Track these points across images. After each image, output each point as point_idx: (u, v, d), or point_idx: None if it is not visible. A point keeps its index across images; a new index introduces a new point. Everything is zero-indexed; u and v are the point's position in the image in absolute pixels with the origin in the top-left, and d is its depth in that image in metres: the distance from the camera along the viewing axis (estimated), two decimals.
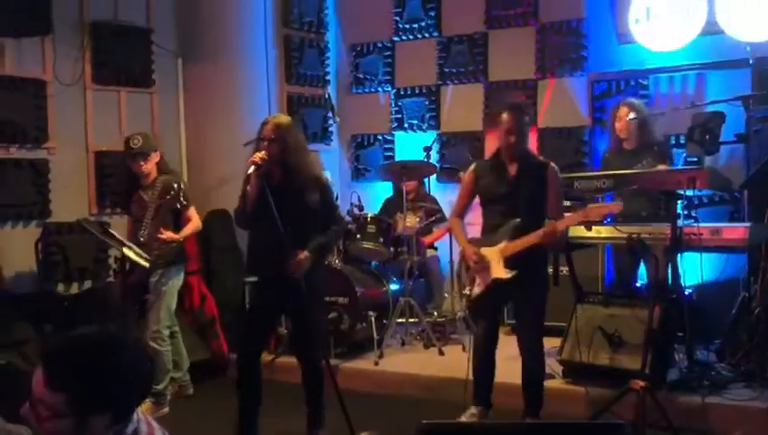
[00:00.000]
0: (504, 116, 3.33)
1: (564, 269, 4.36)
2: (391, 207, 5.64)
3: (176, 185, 3.75)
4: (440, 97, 6.30)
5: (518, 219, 3.25)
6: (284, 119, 3.41)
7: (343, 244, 5.16)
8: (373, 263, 5.46)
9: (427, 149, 5.60)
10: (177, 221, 4.01)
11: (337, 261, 5.10)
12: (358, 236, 5.12)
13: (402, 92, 6.48)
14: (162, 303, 3.99)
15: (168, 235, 3.83)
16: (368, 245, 5.12)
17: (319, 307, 3.66)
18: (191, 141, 5.78)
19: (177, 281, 4.05)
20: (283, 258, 3.26)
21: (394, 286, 5.25)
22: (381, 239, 5.11)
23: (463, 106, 6.12)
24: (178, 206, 3.80)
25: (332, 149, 6.64)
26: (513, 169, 3.34)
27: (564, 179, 3.78)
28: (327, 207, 3.41)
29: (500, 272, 3.28)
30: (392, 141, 6.60)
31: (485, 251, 3.34)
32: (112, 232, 4.01)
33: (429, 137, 6.14)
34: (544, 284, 3.39)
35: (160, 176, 3.97)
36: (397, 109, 6.52)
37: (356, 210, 5.28)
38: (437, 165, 5.82)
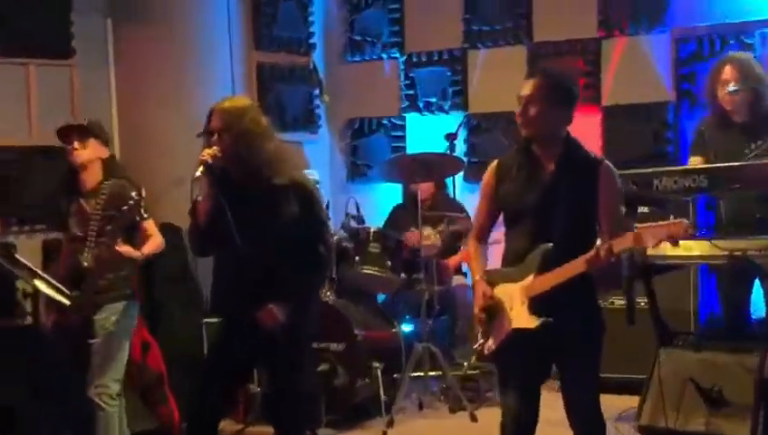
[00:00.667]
0: (524, 86, 3.13)
1: (642, 301, 4.33)
2: (402, 218, 5.69)
3: (134, 193, 3.79)
4: (467, 65, 6.34)
5: (550, 244, 3.06)
6: (236, 102, 3.45)
7: (336, 270, 5.21)
8: (379, 295, 5.62)
9: (451, 137, 5.63)
10: (131, 239, 4.08)
11: (329, 293, 5.14)
12: (357, 258, 5.18)
13: (415, 60, 6.53)
14: (112, 349, 4.08)
15: (126, 249, 3.92)
16: (370, 270, 5.19)
17: (303, 358, 3.62)
18: (126, 131, 5.80)
19: (131, 320, 4.15)
20: (251, 297, 3.31)
21: (407, 327, 5.35)
22: (389, 262, 5.20)
23: (499, 77, 6.09)
24: (137, 218, 3.86)
25: (320, 139, 6.71)
26: (547, 169, 3.15)
27: (638, 177, 3.67)
28: (311, 222, 3.42)
29: (523, 319, 3.10)
30: (402, 127, 6.65)
31: (503, 289, 3.18)
32: (18, 258, 4.07)
33: (454, 120, 6.15)
34: (596, 325, 3.22)
35: (108, 179, 4.07)
36: (408, 83, 6.56)
37: (353, 223, 5.35)
38: (464, 159, 5.91)
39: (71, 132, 4.05)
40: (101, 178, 4.09)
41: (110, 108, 5.81)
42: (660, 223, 2.86)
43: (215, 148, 3.32)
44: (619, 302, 4.82)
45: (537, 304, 3.08)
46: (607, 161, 3.16)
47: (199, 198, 3.35)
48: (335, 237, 5.11)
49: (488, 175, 3.28)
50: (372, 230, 5.27)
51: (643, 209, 4.10)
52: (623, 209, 3.20)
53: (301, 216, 3.37)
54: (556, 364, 3.25)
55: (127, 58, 5.78)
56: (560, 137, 3.14)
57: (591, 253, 2.97)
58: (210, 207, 3.33)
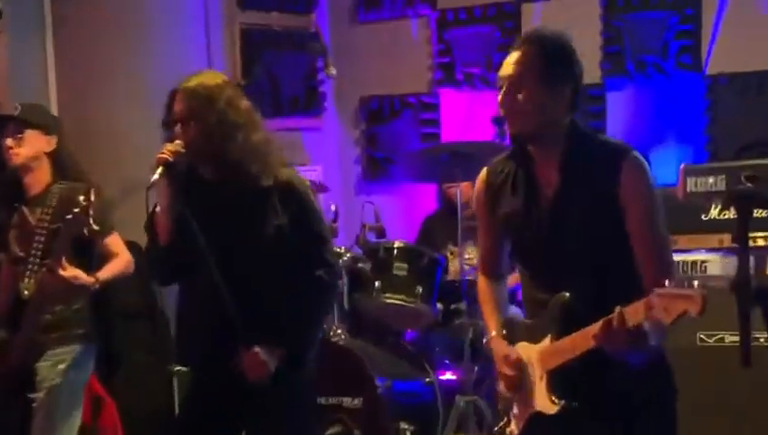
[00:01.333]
0: (506, 62, 2.93)
1: (762, 337, 4.23)
2: (437, 230, 5.72)
3: (81, 197, 3.81)
4: (522, 23, 6.31)
5: (566, 294, 2.92)
6: (205, 79, 3.45)
7: (349, 299, 5.26)
8: (407, 333, 5.55)
9: (502, 120, 5.48)
10: (87, 261, 4.14)
11: (339, 332, 5.16)
12: (377, 284, 5.16)
13: (451, 18, 6.55)
14: (59, 408, 4.12)
15: (72, 273, 3.92)
16: (395, 299, 5.17)
17: (305, 420, 3.62)
18: (69, 120, 5.51)
19: (83, 373, 4.23)
20: (228, 339, 3.37)
21: (446, 375, 5.30)
22: (420, 289, 5.15)
23: (574, 39, 6.07)
24: (85, 231, 3.86)
25: (326, 125, 6.75)
26: (550, 178, 2.96)
27: (758, 169, 3.67)
28: (305, 236, 3.45)
29: (542, 400, 2.97)
30: (435, 108, 6.65)
31: (525, 350, 3.05)
32: None
33: None
34: (661, 394, 3.02)
35: (57, 181, 4.13)
36: (442, 47, 6.55)
37: (372, 237, 5.39)
38: None
39: (3, 122, 4.15)
40: (50, 180, 4.15)
41: (47, 89, 5.81)
42: (678, 291, 2.55)
43: (177, 142, 3.35)
44: (731, 337, 4.80)
45: (557, 381, 2.92)
46: (634, 152, 2.90)
47: (157, 210, 3.40)
48: (347, 256, 5.14)
49: (478, 187, 3.18)
50: (397, 246, 5.24)
51: (761, 213, 4.09)
52: (662, 220, 2.93)
53: (293, 228, 3.41)
54: None
55: (69, 23, 5.79)
56: (562, 129, 2.93)
57: (602, 325, 2.69)
58: (172, 220, 3.38)
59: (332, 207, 5.28)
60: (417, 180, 6.04)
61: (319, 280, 3.46)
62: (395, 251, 5.20)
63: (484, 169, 3.17)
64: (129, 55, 5.71)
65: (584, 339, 2.76)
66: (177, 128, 3.37)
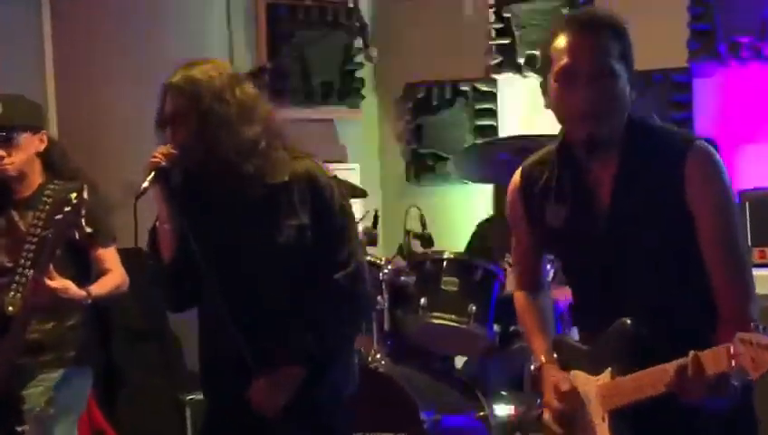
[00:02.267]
0: (562, 45, 2.82)
1: None
2: (494, 237, 5.45)
3: (73, 195, 3.77)
4: None
5: (628, 321, 2.81)
6: (193, 71, 3.34)
7: (391, 319, 4.95)
8: (458, 358, 5.37)
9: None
10: (82, 270, 4.10)
11: (378, 356, 4.87)
12: (423, 301, 4.88)
13: None
14: None
15: (62, 283, 3.85)
16: (445, 319, 4.90)
17: None
18: (67, 110, 5.68)
19: (80, 399, 4.20)
20: (238, 365, 3.28)
21: (503, 408, 5.00)
22: (473, 307, 4.86)
23: (645, 17, 5.58)
24: (76, 234, 3.80)
25: (365, 115, 6.61)
26: (603, 178, 2.90)
27: None
28: (326, 235, 3.31)
29: None
30: (493, 97, 6.46)
31: (580, 380, 2.95)
32: None
33: None
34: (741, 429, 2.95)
35: (50, 182, 4.06)
36: (502, 26, 6.35)
37: (417, 246, 5.22)
38: None
39: None
40: (42, 180, 4.09)
41: (42, 74, 5.69)
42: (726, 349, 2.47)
43: (169, 145, 3.28)
44: None
45: (623, 425, 2.82)
46: (700, 142, 2.80)
47: (158, 224, 3.33)
48: (388, 268, 4.92)
49: (511, 194, 3.14)
50: (447, 257, 5.01)
51: None
52: (740, 229, 2.88)
53: (312, 227, 3.28)
54: None
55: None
56: (623, 121, 2.85)
57: (673, 371, 2.59)
58: (174, 233, 3.31)
59: (372, 212, 5.22)
60: (471, 180, 5.88)
61: (337, 285, 3.33)
62: (444, 263, 5.00)
63: (518, 173, 3.11)
64: (136, 36, 5.60)
65: (653, 382, 2.67)
66: (168, 129, 3.33)
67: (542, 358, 3.02)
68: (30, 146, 4.04)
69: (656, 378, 2.66)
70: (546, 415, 2.98)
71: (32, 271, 3.83)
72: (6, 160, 3.99)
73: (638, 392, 2.73)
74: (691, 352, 2.56)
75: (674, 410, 2.71)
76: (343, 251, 3.35)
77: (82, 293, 3.92)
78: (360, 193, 5.36)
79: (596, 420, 2.87)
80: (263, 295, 3.32)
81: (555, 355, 3.02)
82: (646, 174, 2.84)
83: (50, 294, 3.81)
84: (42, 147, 4.07)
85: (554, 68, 2.79)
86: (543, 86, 2.84)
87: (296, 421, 3.29)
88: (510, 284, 4.91)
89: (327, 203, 3.32)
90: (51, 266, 3.79)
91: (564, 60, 2.76)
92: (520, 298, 3.24)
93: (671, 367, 2.60)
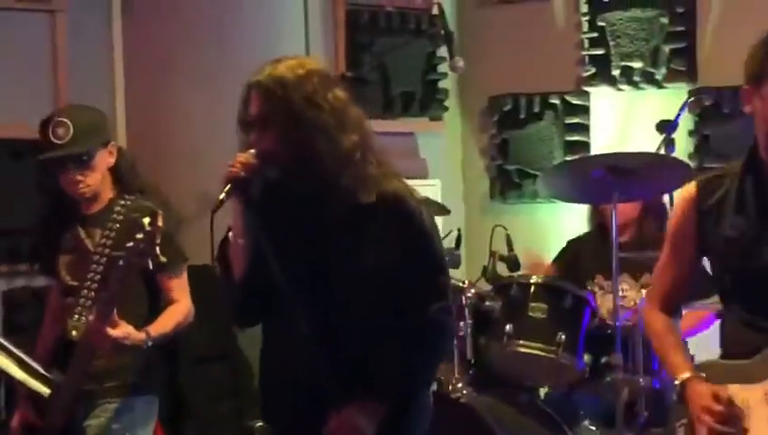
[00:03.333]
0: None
1: None
2: (584, 260, 5.38)
3: (146, 220, 3.66)
4: (697, 6, 6.02)
5: None
6: (285, 68, 3.21)
7: (474, 347, 4.84)
8: (544, 389, 5.22)
9: (668, 127, 5.13)
10: (153, 298, 4.07)
11: (460, 385, 4.72)
12: (508, 328, 4.76)
13: None
14: None
15: (121, 332, 3.76)
16: (532, 348, 4.80)
17: None
18: (137, 116, 5.71)
19: (146, 428, 4.11)
20: (315, 398, 3.20)
21: None
22: (563, 336, 4.73)
23: (750, 27, 5.53)
24: (150, 264, 3.70)
25: (448, 128, 6.54)
26: None
27: None
28: (416, 266, 3.21)
29: None
30: (585, 110, 6.37)
31: (737, 393, 3.06)
32: None
33: (674, 99, 5.82)
34: None
35: (120, 197, 4.03)
36: (595, 36, 6.25)
37: (502, 268, 5.13)
38: (690, 164, 5.51)
39: (67, 160, 3.94)
40: (112, 195, 4.03)
41: (112, 80, 5.69)
42: None
43: (250, 152, 3.13)
44: None
45: None
46: None
47: (230, 236, 3.21)
48: (471, 292, 4.80)
49: (684, 205, 3.24)
50: (534, 281, 4.91)
51: None
52: None
53: (399, 255, 3.16)
54: None
55: (139, 5, 5.71)
56: None
57: None
58: (247, 249, 3.20)
59: (454, 232, 5.15)
60: (561, 199, 5.65)
61: (429, 319, 3.22)
62: (532, 287, 4.89)
63: (693, 184, 3.21)
64: (210, 43, 5.56)
65: None
66: (252, 132, 3.20)
67: (688, 373, 3.10)
68: (103, 163, 3.99)
69: None
70: (706, 422, 3.04)
71: (103, 293, 3.78)
72: (83, 184, 3.93)
73: None
74: None
75: None
76: (440, 284, 3.28)
77: (142, 336, 3.84)
78: (443, 211, 5.32)
79: (761, 426, 2.98)
80: (346, 321, 3.21)
81: (703, 374, 3.11)
82: None
83: (111, 342, 3.73)
84: (112, 160, 4.02)
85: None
86: (747, 94, 2.95)
87: None
88: (604, 310, 4.92)
89: (417, 231, 3.22)
90: (114, 313, 3.70)
91: None
92: (656, 318, 3.29)
93: None
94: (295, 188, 3.18)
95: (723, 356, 3.22)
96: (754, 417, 3.04)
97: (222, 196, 3.10)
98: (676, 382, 3.17)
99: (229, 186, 3.11)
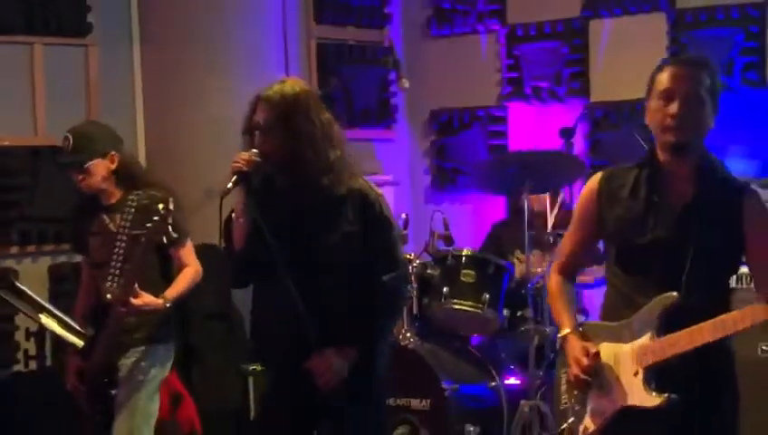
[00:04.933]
0: (666, 74, 3.08)
1: None
2: (505, 238, 5.72)
3: (160, 206, 3.85)
4: (589, 39, 6.36)
5: (675, 293, 3.03)
6: (290, 87, 3.40)
7: (419, 305, 5.25)
8: (473, 338, 5.57)
9: (568, 133, 5.66)
10: (165, 265, 4.21)
11: (409, 335, 5.17)
12: (445, 290, 5.17)
13: (521, 33, 6.57)
14: (138, 404, 4.20)
15: (143, 301, 3.96)
16: (463, 305, 5.18)
17: (378, 420, 3.62)
18: (154, 127, 5.93)
19: (163, 369, 4.29)
20: (299, 340, 3.35)
21: (511, 380, 5.29)
22: (487, 296, 5.16)
23: (631, 55, 6.07)
24: (165, 240, 3.90)
25: (397, 136, 6.81)
26: (685, 194, 3.11)
27: None
28: (377, 243, 3.42)
29: (638, 394, 3.08)
30: (503, 121, 6.68)
31: (606, 351, 3.18)
32: (21, 287, 4.24)
33: (572, 111, 6.21)
34: (730, 398, 3.19)
35: (132, 191, 4.18)
36: (511, 63, 6.60)
37: (441, 245, 5.37)
38: (586, 162, 5.91)
39: (68, 165, 4.18)
40: (122, 192, 4.21)
41: (134, 99, 5.94)
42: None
43: (253, 151, 3.30)
44: None
45: (656, 375, 3.04)
46: (753, 187, 3.12)
47: (233, 216, 3.37)
48: (417, 263, 5.16)
49: (589, 191, 3.26)
50: (465, 253, 5.25)
51: None
52: None
53: (363, 235, 3.38)
54: None
55: (155, 39, 5.91)
56: (701, 147, 3.13)
57: (742, 313, 2.92)
58: (247, 226, 3.35)
59: (403, 216, 5.27)
60: (485, 190, 6.05)
61: (387, 285, 3.42)
62: (463, 258, 5.21)
63: (600, 174, 3.26)
64: (210, 70, 5.78)
65: (713, 329, 2.92)
66: (258, 135, 3.33)
67: (568, 329, 3.22)
68: (100, 168, 4.13)
69: (715, 324, 2.91)
70: (574, 371, 3.17)
71: (126, 264, 3.98)
72: (83, 184, 4.14)
73: (673, 349, 2.96)
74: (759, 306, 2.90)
75: (689, 361, 2.97)
76: (391, 257, 3.43)
77: (160, 302, 4.01)
78: (391, 182, 5.65)
79: (626, 377, 3.07)
80: (324, 285, 3.36)
81: (581, 330, 3.22)
82: (715, 196, 3.06)
83: (135, 311, 3.95)
84: (113, 166, 4.15)
85: (660, 91, 3.03)
86: (644, 107, 3.10)
87: (346, 395, 3.36)
88: (519, 276, 5.26)
89: (377, 216, 3.39)
90: (136, 286, 3.89)
91: (663, 88, 3.02)
92: (555, 280, 3.36)
93: (706, 325, 2.91)
94: (286, 183, 3.39)
95: (602, 316, 3.27)
96: (622, 369, 3.09)
97: (229, 185, 3.25)
98: (559, 336, 3.30)
99: (236, 177, 3.26)
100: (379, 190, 3.50)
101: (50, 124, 5.53)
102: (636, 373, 3.05)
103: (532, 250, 5.23)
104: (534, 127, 6.50)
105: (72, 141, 4.14)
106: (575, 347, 3.18)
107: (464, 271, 5.18)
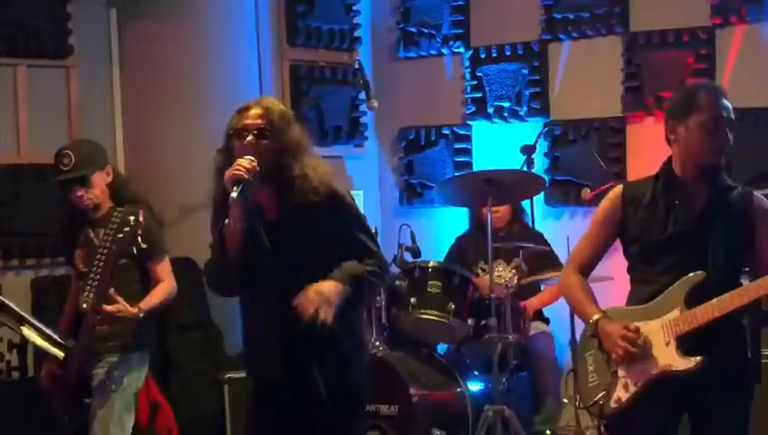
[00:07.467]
0: (707, 99, 3.33)
1: None
2: (468, 250, 5.75)
3: (131, 217, 3.88)
4: (549, 61, 6.38)
5: (701, 272, 3.31)
6: (275, 102, 3.45)
7: (387, 315, 5.28)
8: (440, 346, 5.58)
9: (529, 150, 5.72)
10: (147, 279, 4.25)
11: (377, 343, 5.21)
12: (413, 300, 5.19)
13: (483, 55, 6.59)
14: (113, 411, 4.17)
15: (116, 307, 3.96)
16: (429, 315, 5.20)
17: (357, 425, 3.64)
18: (132, 146, 5.96)
19: (137, 378, 4.27)
20: (291, 351, 3.35)
21: (475, 386, 5.31)
22: (452, 305, 5.17)
23: (588, 76, 6.17)
24: (134, 250, 3.93)
25: (367, 153, 6.82)
26: (700, 198, 3.40)
27: None
28: (355, 237, 3.43)
29: (674, 359, 3.29)
30: (468, 139, 6.72)
31: (642, 326, 3.35)
32: (3, 300, 4.25)
33: (532, 129, 6.22)
34: (750, 377, 3.43)
35: (117, 205, 4.20)
36: (475, 83, 6.61)
37: (408, 256, 5.40)
38: (546, 177, 5.91)
39: (70, 182, 4.20)
40: (111, 205, 4.25)
41: (113, 118, 5.98)
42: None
43: (249, 158, 3.22)
44: None
45: (688, 341, 3.26)
46: (757, 193, 3.42)
47: (228, 224, 3.29)
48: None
49: (613, 199, 3.51)
50: (432, 265, 5.29)
51: None
52: None
53: (341, 233, 3.39)
54: (692, 423, 3.43)
55: (134, 59, 5.94)
56: None
57: (762, 280, 3.17)
58: (242, 237, 3.29)
59: (372, 229, 5.13)
60: (451, 204, 6.12)
61: (369, 267, 3.41)
62: (429, 270, 5.25)
63: (620, 186, 3.56)
64: (186, 91, 5.82)
65: (743, 295, 3.20)
66: (249, 138, 3.25)
67: (598, 315, 3.40)
68: (101, 181, 4.23)
69: (746, 291, 3.20)
70: (621, 345, 3.29)
71: (104, 277, 3.94)
72: (86, 197, 4.19)
73: (706, 317, 3.21)
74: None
75: (719, 336, 3.24)
76: (371, 245, 3.46)
77: (134, 311, 4.01)
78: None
79: (658, 348, 3.28)
80: (313, 273, 3.29)
81: (608, 313, 3.40)
82: (726, 202, 3.37)
83: (109, 317, 3.95)
84: (109, 179, 4.26)
85: (706, 116, 3.27)
86: (671, 127, 3.33)
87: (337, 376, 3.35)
88: (483, 286, 5.26)
89: (351, 214, 3.43)
90: (111, 290, 3.91)
91: (710, 114, 3.28)
92: (573, 277, 3.55)
93: (733, 292, 3.19)
94: (270, 188, 3.33)
95: (629, 303, 3.47)
96: (654, 340, 3.29)
97: (234, 194, 3.15)
98: (591, 321, 3.42)
99: (240, 187, 3.16)
100: (350, 190, 3.55)
101: (32, 143, 5.61)
102: (668, 343, 3.26)
103: (497, 261, 5.34)
104: (497, 144, 6.55)
105: (73, 157, 4.17)
106: (613, 327, 3.34)
107: (430, 282, 5.22)
